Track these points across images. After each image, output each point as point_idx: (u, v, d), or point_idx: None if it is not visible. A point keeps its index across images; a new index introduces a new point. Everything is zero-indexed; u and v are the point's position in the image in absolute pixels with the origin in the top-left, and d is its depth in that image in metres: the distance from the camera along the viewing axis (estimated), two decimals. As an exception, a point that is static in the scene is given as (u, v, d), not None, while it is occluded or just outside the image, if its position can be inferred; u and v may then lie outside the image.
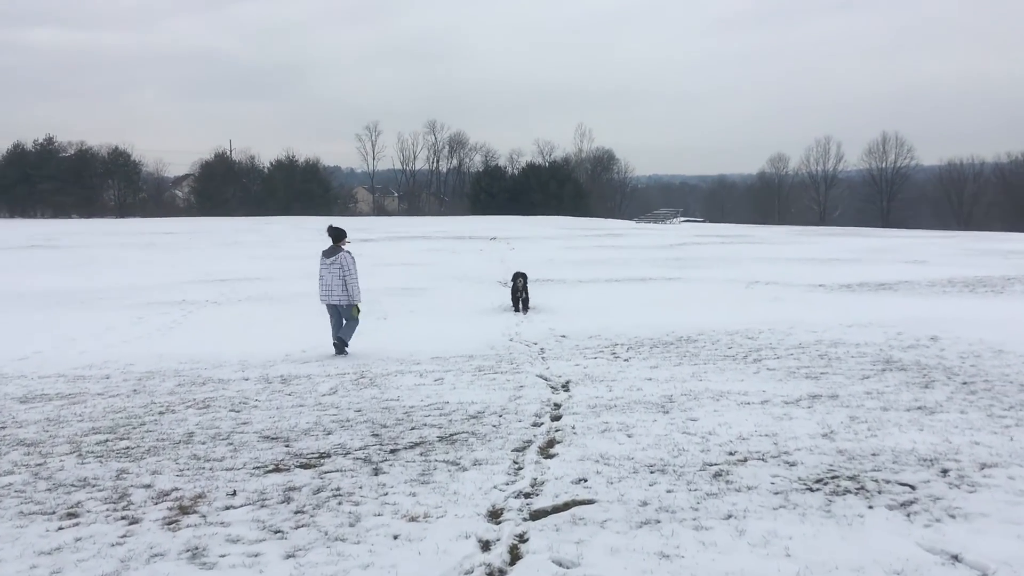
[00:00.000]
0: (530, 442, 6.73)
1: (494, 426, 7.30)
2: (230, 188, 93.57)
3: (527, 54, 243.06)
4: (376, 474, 5.93)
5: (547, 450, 6.50)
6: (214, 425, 7.53)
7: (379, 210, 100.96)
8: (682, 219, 75.10)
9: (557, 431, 7.10)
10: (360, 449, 6.57)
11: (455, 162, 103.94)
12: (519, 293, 16.92)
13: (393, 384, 9.59)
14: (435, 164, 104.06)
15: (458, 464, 6.12)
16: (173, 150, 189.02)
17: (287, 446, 6.75)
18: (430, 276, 24.35)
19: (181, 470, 6.15)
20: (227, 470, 6.08)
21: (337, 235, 12.19)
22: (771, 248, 35.66)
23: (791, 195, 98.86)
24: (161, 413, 8.13)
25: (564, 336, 13.67)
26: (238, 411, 8.14)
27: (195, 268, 28.05)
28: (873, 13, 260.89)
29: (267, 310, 17.73)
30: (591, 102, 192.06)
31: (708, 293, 19.65)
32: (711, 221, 77.23)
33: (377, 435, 7.07)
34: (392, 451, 6.51)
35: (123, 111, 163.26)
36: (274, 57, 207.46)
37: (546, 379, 9.84)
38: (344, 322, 12.13)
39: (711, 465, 5.98)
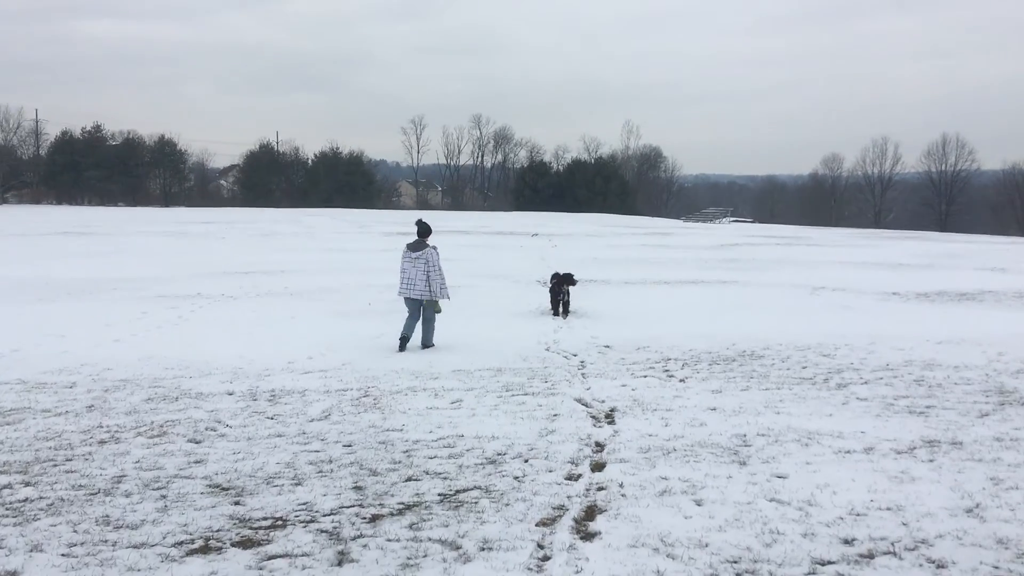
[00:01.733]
0: (563, 509, 4.96)
1: (516, 478, 5.55)
2: (274, 179, 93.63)
3: (574, 50, 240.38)
4: (340, 563, 4.21)
5: (585, 525, 4.72)
6: (157, 464, 5.90)
7: (422, 204, 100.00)
8: (731, 219, 72.54)
9: (600, 489, 5.33)
10: (332, 514, 4.86)
11: (499, 157, 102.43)
12: (560, 295, 15.16)
13: (400, 407, 7.91)
14: (479, 159, 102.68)
15: (458, 548, 4.37)
16: (220, 141, 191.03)
17: (237, 503, 5.07)
18: (464, 273, 22.65)
19: (71, 547, 4.48)
20: (135, 548, 4.38)
21: (424, 230, 11.97)
22: (831, 251, 33.34)
23: (844, 197, 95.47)
24: (102, 443, 6.51)
25: (608, 347, 11.89)
26: (198, 442, 6.52)
27: (223, 259, 26.75)
28: (928, 12, 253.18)
29: (285, 306, 16.19)
30: (638, 99, 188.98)
31: (769, 299, 17.68)
32: (760, 222, 74.53)
33: (361, 488, 5.36)
34: (373, 519, 4.78)
35: (173, 102, 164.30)
36: (323, 51, 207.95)
37: (586, 405, 8.09)
38: (423, 323, 11.85)
39: (823, 564, 4.17)
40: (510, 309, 15.94)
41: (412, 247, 11.89)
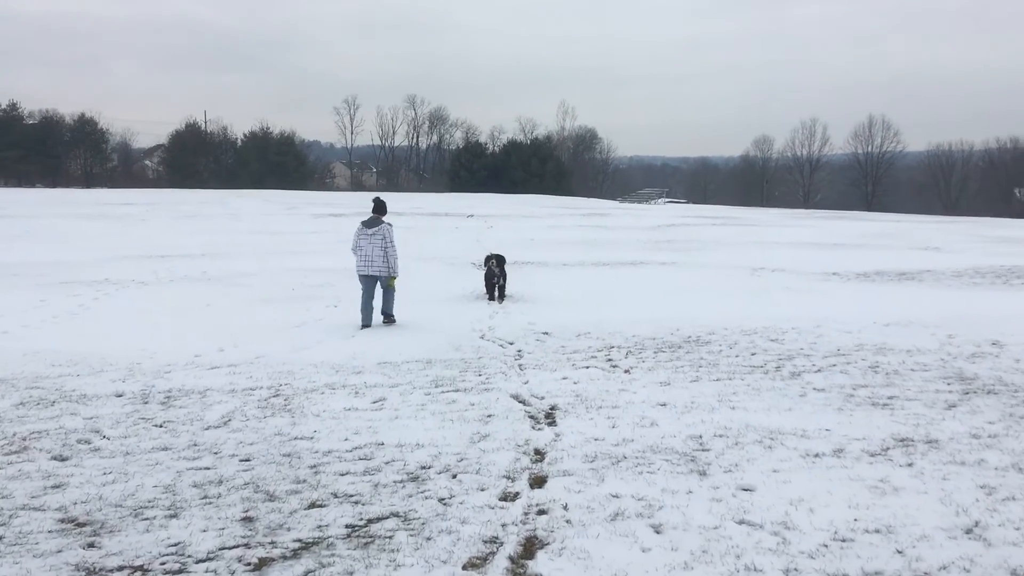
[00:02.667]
0: (496, 543, 4.07)
1: (442, 500, 4.67)
2: (201, 160, 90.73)
3: (511, 30, 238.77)
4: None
5: (523, 566, 3.84)
6: (4, 492, 4.85)
7: (356, 186, 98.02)
8: (666, 200, 72.64)
9: (540, 513, 4.50)
10: (208, 559, 3.89)
11: (435, 138, 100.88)
12: (495, 279, 14.32)
13: (314, 408, 6.97)
14: (415, 140, 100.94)
15: (363, 607, 3.48)
16: (147, 120, 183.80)
17: (91, 544, 4.06)
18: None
19: None
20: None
21: (381, 207, 12.14)
22: (767, 231, 33.18)
23: (775, 178, 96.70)
24: (-59, 464, 5.45)
25: (547, 333, 11.10)
26: (64, 459, 5.48)
27: (139, 242, 25.15)
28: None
29: (201, 293, 14.98)
30: (574, 80, 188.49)
31: (710, 281, 17.12)
32: (694, 203, 74.83)
33: (251, 520, 4.41)
34: (259, 565, 3.85)
35: (98, 81, 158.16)
36: (256, 28, 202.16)
37: (524, 402, 7.26)
38: (383, 293, 11.91)
39: (814, 614, 3.42)
40: (443, 294, 15.04)
41: (368, 224, 11.89)
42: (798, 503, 4.58)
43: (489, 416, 6.73)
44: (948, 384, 8.09)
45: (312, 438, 6.06)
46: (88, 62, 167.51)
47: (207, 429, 6.28)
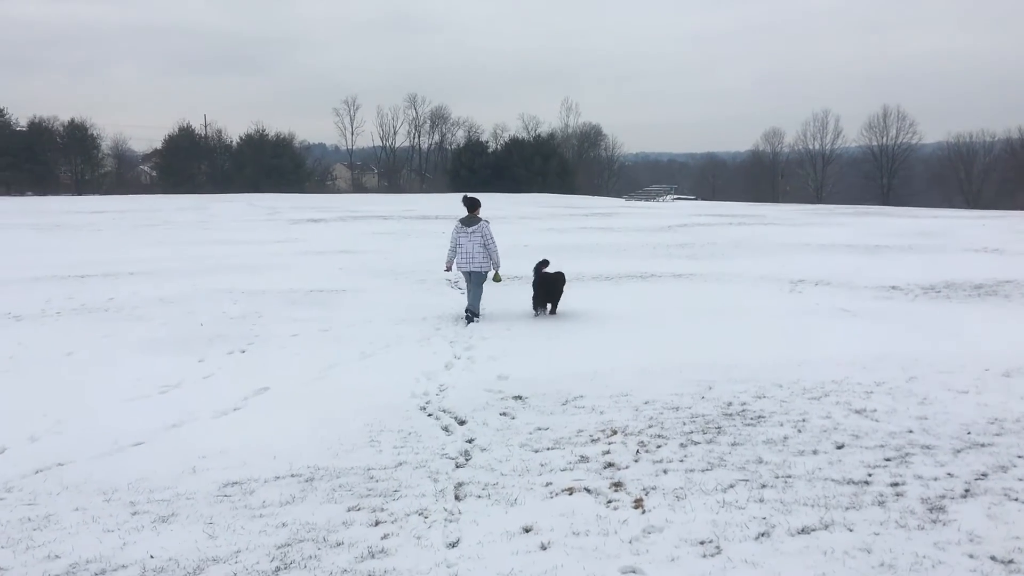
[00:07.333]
0: None
1: None
2: (196, 164, 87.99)
3: (512, 27, 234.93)
4: None
5: None
6: None
7: (358, 187, 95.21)
8: (674, 196, 68.94)
9: None
10: None
11: (436, 138, 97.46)
12: (550, 295, 12.21)
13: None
14: (416, 140, 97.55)
15: None
16: (145, 126, 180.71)
17: None
18: (358, 271, 18.11)
19: None
20: None
21: (473, 204, 12.28)
22: (792, 231, 29.44)
23: (786, 172, 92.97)
24: None
25: (519, 398, 7.63)
26: None
27: (72, 257, 21.69)
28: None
29: (78, 333, 11.41)
30: (578, 77, 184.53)
31: (740, 300, 13.54)
32: (703, 199, 71.15)
33: None
34: None
35: (96, 87, 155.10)
36: (256, 30, 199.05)
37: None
38: (473, 291, 12.02)
39: None
40: (395, 326, 11.51)
41: (466, 222, 12.13)
42: None
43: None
44: None
45: None
46: (86, 68, 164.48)
47: None
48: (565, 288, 12.35)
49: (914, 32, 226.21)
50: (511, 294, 13.85)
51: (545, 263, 12.46)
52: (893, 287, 15.01)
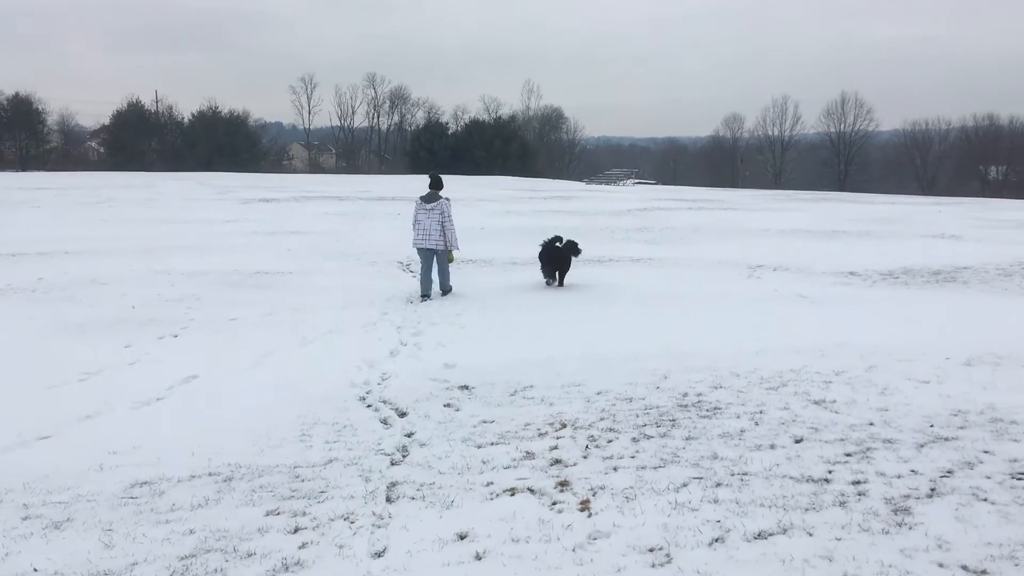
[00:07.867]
0: None
1: None
2: (146, 141, 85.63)
3: (475, 7, 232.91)
4: None
5: None
6: None
7: (315, 168, 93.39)
8: (635, 181, 68.79)
9: None
10: None
11: (396, 118, 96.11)
12: (555, 264, 12.73)
13: None
14: (375, 120, 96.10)
15: None
16: (95, 101, 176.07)
17: None
18: (307, 253, 17.49)
19: None
20: None
21: (437, 182, 12.23)
22: (751, 216, 29.33)
23: (745, 157, 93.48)
24: None
25: (465, 388, 7.20)
26: None
27: (7, 235, 20.69)
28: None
29: (1, 314, 10.78)
30: (540, 59, 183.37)
31: (698, 285, 13.23)
32: (663, 184, 71.14)
33: None
34: None
35: (45, 61, 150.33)
36: (211, 5, 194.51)
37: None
38: (439, 268, 12.01)
39: None
40: (341, 310, 10.99)
41: (426, 199, 12.06)
42: None
43: None
44: None
45: None
46: (33, 41, 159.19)
47: None
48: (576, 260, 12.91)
49: (873, 20, 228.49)
50: (465, 277, 13.39)
51: (558, 239, 12.86)
52: (851, 273, 14.84)
